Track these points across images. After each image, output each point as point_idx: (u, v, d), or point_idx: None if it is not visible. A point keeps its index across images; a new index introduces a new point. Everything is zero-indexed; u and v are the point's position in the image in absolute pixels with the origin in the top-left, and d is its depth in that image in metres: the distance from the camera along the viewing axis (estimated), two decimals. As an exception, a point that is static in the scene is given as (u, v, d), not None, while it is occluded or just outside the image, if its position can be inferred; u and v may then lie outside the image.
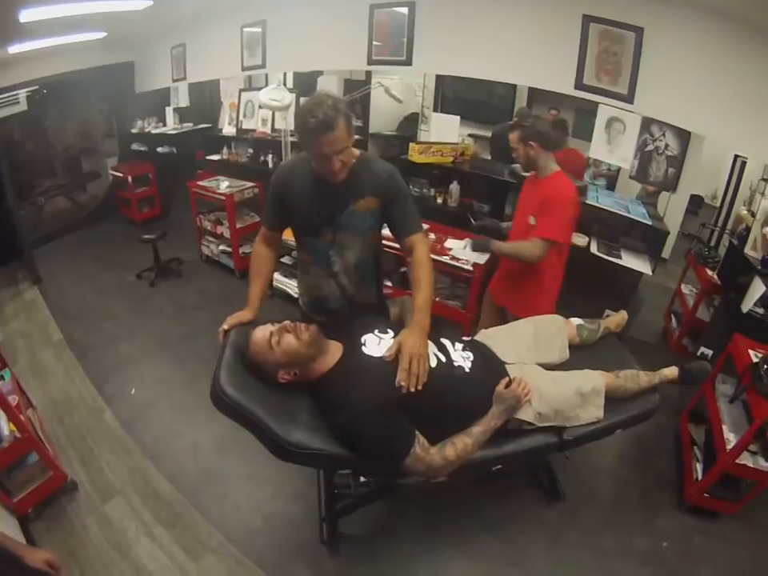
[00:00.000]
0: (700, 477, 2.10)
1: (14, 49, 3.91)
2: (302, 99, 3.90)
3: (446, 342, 1.59)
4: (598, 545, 1.96)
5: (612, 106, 2.75)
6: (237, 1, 3.89)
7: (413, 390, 1.31)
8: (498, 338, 1.77)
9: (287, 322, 1.42)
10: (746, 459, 1.91)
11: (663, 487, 2.25)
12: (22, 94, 5.08)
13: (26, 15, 3.04)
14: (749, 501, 2.03)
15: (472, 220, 2.72)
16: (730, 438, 1.96)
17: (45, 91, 5.36)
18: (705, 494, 2.05)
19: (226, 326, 1.57)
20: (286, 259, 3.55)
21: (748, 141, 2.40)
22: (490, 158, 3.91)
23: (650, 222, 2.85)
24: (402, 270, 2.31)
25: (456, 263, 2.83)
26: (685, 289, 3.45)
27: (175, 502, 2.10)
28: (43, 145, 5.85)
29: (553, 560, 1.91)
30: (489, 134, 4.08)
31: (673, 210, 3.60)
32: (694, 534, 2.04)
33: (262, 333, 1.41)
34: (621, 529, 2.04)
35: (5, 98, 4.76)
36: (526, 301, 2.22)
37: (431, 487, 1.76)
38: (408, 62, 3.29)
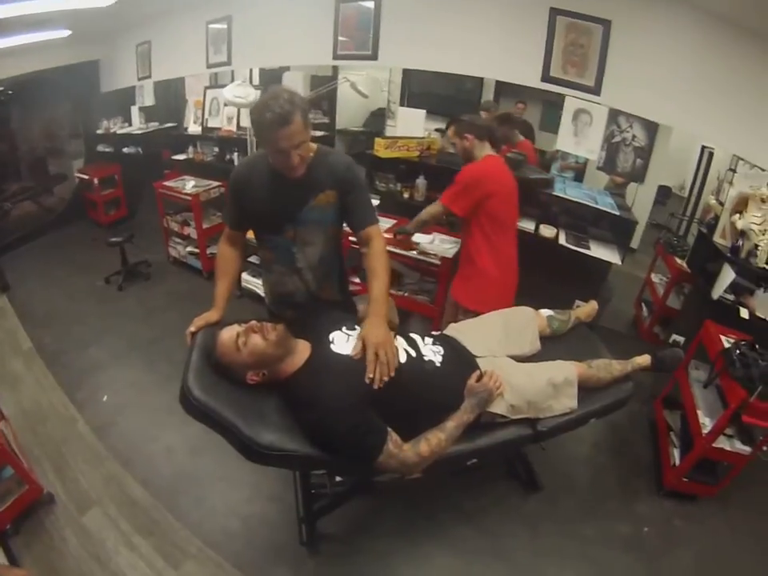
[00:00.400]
0: (677, 462, 2.14)
1: None
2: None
3: (415, 336, 1.58)
4: (578, 533, 1.98)
5: (579, 98, 2.77)
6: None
7: (386, 379, 1.32)
8: (468, 332, 1.78)
9: (254, 323, 1.39)
10: (722, 443, 1.95)
11: (641, 473, 2.29)
12: (-14, 95, 4.93)
13: None
14: (726, 483, 2.07)
15: None
16: (706, 423, 2.01)
17: (10, 92, 5.21)
18: (683, 479, 2.09)
19: (193, 329, 1.54)
20: (253, 258, 3.48)
21: (715, 131, 2.46)
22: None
23: (618, 213, 2.88)
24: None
25: (424, 257, 2.83)
26: (654, 278, 3.52)
27: (152, 509, 2.06)
28: (9, 147, 5.68)
29: (534, 550, 1.92)
30: None
31: (641, 200, 3.66)
32: (673, 518, 2.08)
33: (228, 334, 1.38)
34: (601, 516, 2.06)
35: None
36: (470, 291, 2.30)
37: (408, 483, 1.76)
38: (374, 57, 3.27)
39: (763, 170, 2.38)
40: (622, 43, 2.51)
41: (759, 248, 2.29)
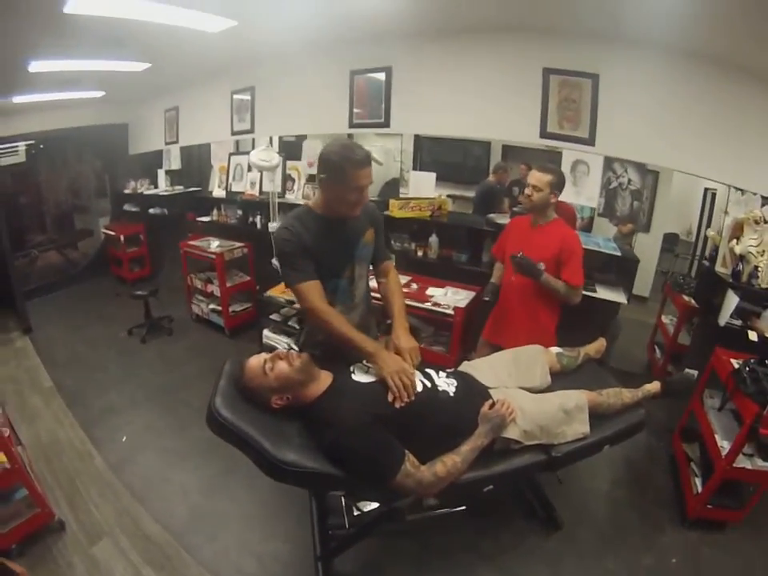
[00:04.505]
0: (700, 490, 2.11)
1: (19, 99, 4.08)
2: (290, 162, 4.13)
3: (430, 371, 1.67)
4: (601, 568, 1.94)
5: (575, 150, 2.93)
6: (227, 68, 4.16)
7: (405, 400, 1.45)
8: (480, 367, 1.87)
9: (280, 350, 1.55)
10: (743, 462, 1.94)
11: (663, 506, 2.25)
12: (22, 146, 5.27)
13: (35, 66, 3.16)
14: (752, 507, 2.04)
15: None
16: (724, 446, 2.00)
17: (41, 146, 5.54)
18: (707, 506, 2.06)
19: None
20: (274, 316, 3.59)
21: (702, 164, 2.61)
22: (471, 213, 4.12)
23: (619, 253, 2.97)
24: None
25: (437, 308, 2.93)
26: (665, 319, 3.54)
27: (165, 544, 2.04)
28: (36, 199, 5.98)
29: (557, 588, 1.87)
30: (466, 193, 4.34)
31: (648, 249, 3.75)
32: (701, 547, 2.03)
33: (256, 360, 1.51)
34: (624, 550, 2.02)
35: (6, 148, 4.94)
36: (536, 340, 2.12)
37: (426, 522, 1.81)
38: (386, 124, 3.51)
39: (754, 193, 2.48)
40: (610, 94, 2.70)
41: (760, 269, 2.37)
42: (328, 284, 1.73)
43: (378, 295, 1.96)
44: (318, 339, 1.81)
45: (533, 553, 2.01)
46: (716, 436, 2.07)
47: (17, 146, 5.24)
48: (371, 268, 1.91)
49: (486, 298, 2.34)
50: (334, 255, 1.70)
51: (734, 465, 1.93)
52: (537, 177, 2.17)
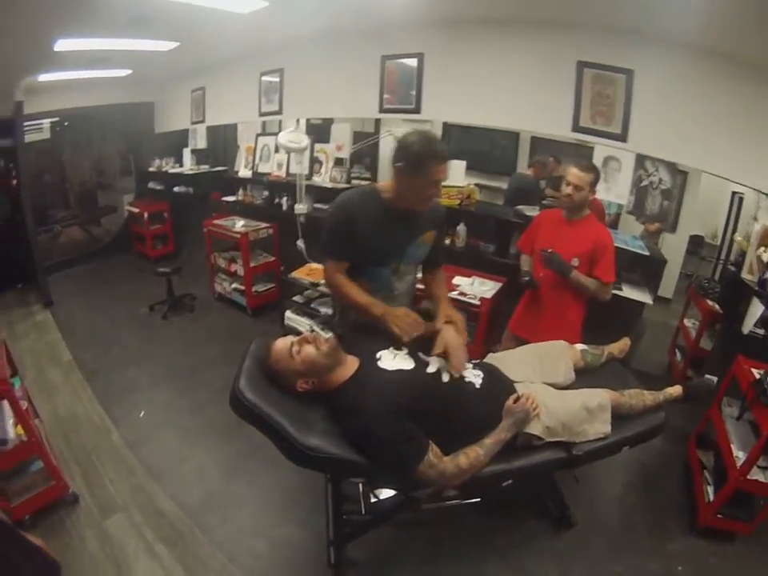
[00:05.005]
0: (712, 499, 2.08)
1: (44, 77, 4.08)
2: (317, 145, 4.12)
3: None
4: (609, 570, 1.93)
5: (607, 146, 2.86)
6: (256, 49, 4.12)
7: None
8: (506, 360, 1.86)
9: (307, 333, 1.52)
10: (756, 475, 1.91)
11: (674, 513, 2.23)
12: (46, 123, 5.29)
13: (61, 45, 3.12)
14: (762, 520, 2.01)
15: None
16: (740, 456, 1.97)
17: (66, 123, 5.58)
18: (718, 515, 2.03)
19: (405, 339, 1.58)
20: (297, 298, 3.60)
21: (734, 168, 2.51)
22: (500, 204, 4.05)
23: (647, 253, 2.92)
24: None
25: (464, 298, 2.92)
26: (688, 323, 3.49)
27: (178, 522, 2.07)
28: (59, 176, 6.05)
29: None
30: (492, 183, 4.26)
31: (674, 250, 3.68)
32: (708, 557, 2.01)
33: (283, 342, 1.51)
34: (632, 553, 2.01)
35: (30, 125, 4.94)
36: (562, 336, 2.11)
37: (440, 514, 1.84)
38: (417, 110, 3.44)
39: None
40: (644, 91, 2.62)
41: (787, 279, 2.31)
42: (371, 270, 1.74)
43: (420, 286, 1.99)
44: (350, 318, 1.83)
45: (543, 552, 2.01)
46: (732, 445, 2.03)
47: (41, 123, 5.27)
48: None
49: (526, 278, 2.33)
50: (384, 244, 1.69)
51: (748, 476, 1.91)
52: (578, 176, 2.13)
